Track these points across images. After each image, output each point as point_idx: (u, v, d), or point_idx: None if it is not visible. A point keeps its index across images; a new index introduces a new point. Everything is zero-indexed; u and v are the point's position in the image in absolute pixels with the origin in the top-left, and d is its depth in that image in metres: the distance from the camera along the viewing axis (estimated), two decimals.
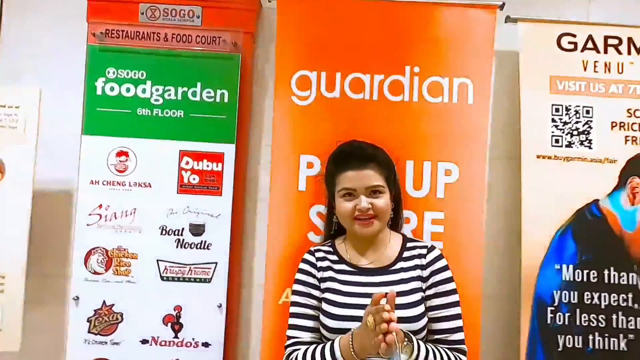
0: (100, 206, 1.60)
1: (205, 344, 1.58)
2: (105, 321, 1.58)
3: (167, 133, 1.62)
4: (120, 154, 1.61)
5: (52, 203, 1.68)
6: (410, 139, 1.53)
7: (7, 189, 1.49)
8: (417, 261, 1.16)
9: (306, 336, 1.13)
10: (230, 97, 1.63)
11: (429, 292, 1.13)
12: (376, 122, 1.54)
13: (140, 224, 1.60)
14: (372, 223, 1.12)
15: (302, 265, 1.21)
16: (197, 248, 1.60)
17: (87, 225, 1.59)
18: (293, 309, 1.17)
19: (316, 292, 1.16)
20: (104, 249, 1.59)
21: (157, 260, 1.60)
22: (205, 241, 1.61)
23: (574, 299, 1.54)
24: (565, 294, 1.54)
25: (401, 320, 0.99)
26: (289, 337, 1.15)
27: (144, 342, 1.58)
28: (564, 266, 1.55)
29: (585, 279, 1.55)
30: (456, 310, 1.13)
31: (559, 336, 1.53)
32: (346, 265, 1.18)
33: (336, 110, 1.55)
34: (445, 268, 1.16)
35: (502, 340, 1.66)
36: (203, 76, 1.63)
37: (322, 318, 1.12)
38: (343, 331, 1.05)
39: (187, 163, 1.62)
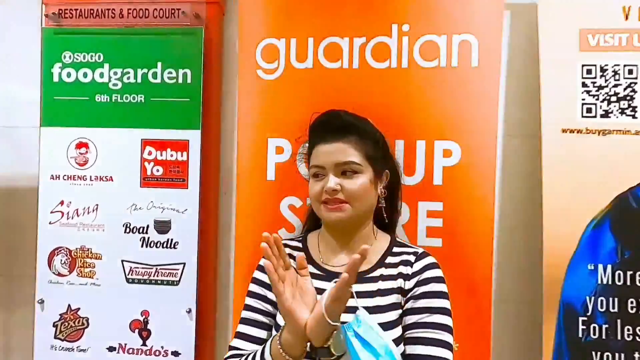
0: (62, 203, 1.37)
1: (175, 353, 1.33)
2: (71, 326, 1.37)
3: (128, 120, 1.36)
4: (79, 145, 1.37)
5: (18, 199, 1.47)
6: (399, 114, 1.19)
7: None
8: (401, 269, 0.85)
9: (250, 348, 0.84)
10: (193, 77, 1.34)
11: (407, 305, 0.82)
12: (357, 94, 1.20)
13: (103, 222, 1.36)
14: (340, 208, 0.83)
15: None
16: (163, 247, 1.34)
17: (50, 223, 1.38)
18: (243, 313, 0.90)
19: (272, 295, 0.86)
20: (67, 248, 1.37)
21: (122, 261, 1.36)
22: (171, 239, 1.34)
23: (613, 307, 1.15)
24: (601, 300, 1.15)
25: None
26: (230, 348, 0.87)
27: (111, 349, 1.35)
28: (600, 266, 1.16)
29: (628, 282, 1.14)
30: (441, 335, 0.79)
31: (593, 353, 1.14)
32: (314, 266, 0.89)
33: (309, 83, 1.22)
34: (436, 280, 0.84)
35: (520, 354, 1.28)
36: (163, 55, 1.35)
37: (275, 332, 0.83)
38: None
39: (150, 153, 1.35)
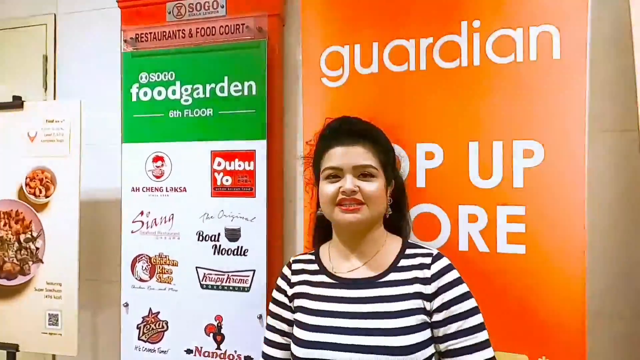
0: (142, 213, 1.37)
1: (248, 358, 1.27)
2: (152, 329, 1.35)
3: (198, 134, 1.33)
4: (156, 159, 1.36)
5: (103, 211, 1.49)
6: (471, 115, 1.04)
7: (58, 201, 1.32)
8: (417, 273, 0.78)
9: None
10: (258, 89, 1.28)
11: (438, 316, 0.75)
12: (426, 97, 1.07)
13: (178, 230, 1.34)
14: (358, 209, 0.77)
15: (278, 281, 0.89)
16: (234, 254, 1.29)
17: (132, 232, 1.37)
18: (265, 334, 0.88)
19: (287, 314, 0.85)
20: (147, 256, 1.36)
21: (197, 268, 1.32)
22: (241, 247, 1.29)
23: None
24: None
25: (386, 351, 0.71)
26: None
27: (189, 352, 1.32)
28: None
29: None
30: (481, 336, 0.74)
31: None
32: (326, 276, 0.83)
33: (375, 88, 1.11)
34: (458, 281, 0.77)
35: None
36: (229, 69, 1.31)
37: (292, 346, 0.80)
38: None
39: (219, 164, 1.30)
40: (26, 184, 1.35)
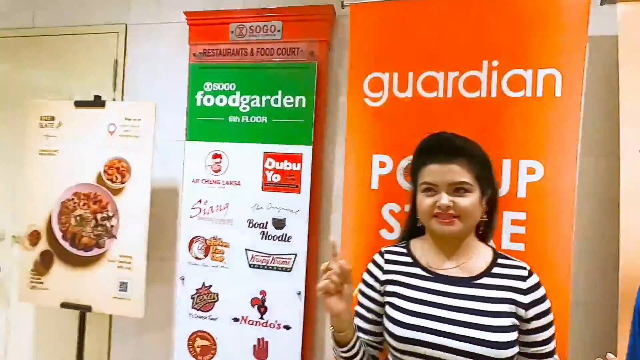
0: (200, 201, 1.59)
1: (287, 327, 1.50)
2: (204, 299, 1.57)
3: (253, 137, 1.55)
4: (215, 156, 1.58)
5: (165, 197, 1.72)
6: (488, 137, 1.26)
7: (132, 188, 1.54)
8: (513, 283, 0.85)
9: (360, 335, 0.93)
10: (307, 102, 1.51)
11: (531, 324, 0.84)
12: (450, 120, 1.30)
13: (231, 217, 1.57)
14: (453, 222, 0.85)
15: (369, 266, 0.97)
16: (279, 240, 1.51)
17: (190, 217, 1.60)
18: (355, 308, 0.96)
19: (376, 295, 0.93)
20: (203, 238, 1.59)
21: (246, 250, 1.54)
22: (286, 234, 1.51)
23: None
24: None
25: (483, 343, 0.79)
26: None
27: (235, 320, 1.54)
28: None
29: None
30: (552, 344, 0.87)
31: None
32: (421, 269, 0.90)
33: (409, 110, 1.34)
34: (545, 297, 0.86)
35: (595, 356, 1.30)
36: (284, 84, 1.53)
37: (387, 324, 0.88)
38: (410, 341, 0.83)
39: (270, 164, 1.53)
40: (104, 171, 1.57)
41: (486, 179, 0.89)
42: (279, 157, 1.54)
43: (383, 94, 1.36)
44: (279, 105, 1.54)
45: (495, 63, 1.27)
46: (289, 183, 1.53)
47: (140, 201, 1.54)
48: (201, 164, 1.61)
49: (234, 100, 1.58)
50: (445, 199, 0.84)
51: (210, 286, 1.58)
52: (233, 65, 1.59)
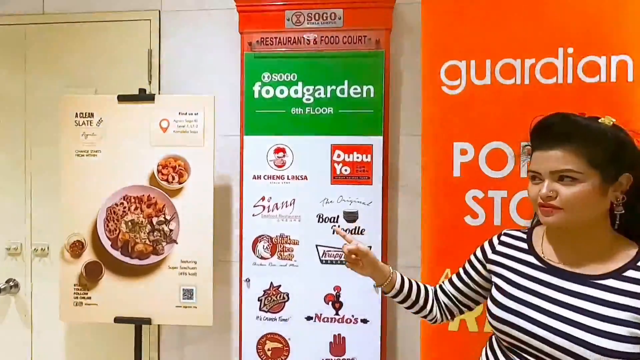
0: (263, 198, 1.51)
1: (364, 320, 1.47)
2: (273, 300, 1.50)
3: (319, 129, 1.49)
4: (278, 150, 1.50)
5: (217, 196, 1.60)
6: None
7: (192, 187, 1.42)
8: None
9: (447, 287, 1.01)
10: (376, 92, 1.47)
11: None
12: (528, 106, 1.31)
13: (299, 213, 1.50)
14: (552, 213, 0.76)
15: (485, 243, 0.97)
16: (351, 233, 1.47)
17: (253, 215, 1.51)
18: (459, 270, 1.01)
19: (479, 266, 0.95)
20: (268, 236, 1.50)
21: (317, 246, 1.49)
22: (359, 227, 1.48)
23: None
24: None
25: (587, 345, 0.72)
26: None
27: (309, 318, 1.49)
28: None
29: None
30: None
31: None
32: (535, 258, 0.86)
33: (488, 97, 1.34)
34: None
35: None
36: (350, 74, 1.48)
37: (488, 303, 0.88)
38: (506, 323, 0.82)
39: (339, 156, 1.48)
40: (158, 171, 1.43)
41: (614, 162, 0.76)
42: (348, 149, 1.48)
43: (461, 82, 1.36)
44: (345, 95, 1.48)
45: (570, 50, 1.31)
46: (359, 175, 1.48)
47: (203, 202, 1.43)
48: (262, 159, 1.51)
49: (296, 92, 1.50)
50: (545, 188, 0.76)
51: (279, 286, 1.51)
52: (293, 54, 1.51)
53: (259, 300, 1.51)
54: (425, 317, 1.02)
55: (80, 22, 1.68)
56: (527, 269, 0.85)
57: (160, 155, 1.43)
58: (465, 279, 0.97)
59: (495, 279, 0.89)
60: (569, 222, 0.77)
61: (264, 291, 1.51)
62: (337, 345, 1.49)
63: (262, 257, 1.52)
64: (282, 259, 1.51)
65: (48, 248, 1.71)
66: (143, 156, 1.44)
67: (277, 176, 1.51)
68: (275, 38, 1.51)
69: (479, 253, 0.96)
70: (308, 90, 1.50)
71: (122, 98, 1.45)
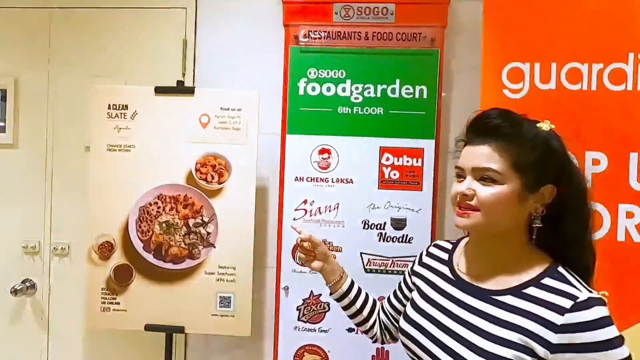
0: (305, 202, 1.42)
1: None
2: (313, 310, 1.41)
3: (368, 130, 1.41)
4: (322, 151, 1.41)
5: (260, 199, 1.50)
6: (633, 130, 1.23)
7: (232, 188, 1.32)
8: (545, 312, 0.63)
9: (385, 304, 0.97)
10: (429, 93, 1.39)
11: None
12: (594, 113, 1.24)
13: (343, 219, 1.41)
14: (468, 215, 0.70)
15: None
16: (399, 242, 1.39)
17: (294, 219, 1.42)
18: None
19: (409, 281, 0.90)
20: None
21: (361, 253, 1.40)
22: (406, 235, 1.39)
23: None
24: None
25: None
26: None
27: (350, 330, 1.41)
28: None
29: None
30: None
31: None
32: (449, 270, 0.80)
33: (552, 102, 1.27)
34: (601, 346, 0.60)
35: None
36: (402, 73, 1.40)
37: (401, 317, 0.84)
38: (407, 335, 0.78)
39: (388, 159, 1.40)
40: (197, 170, 1.34)
41: (540, 169, 0.68)
42: (397, 152, 1.40)
43: (524, 85, 1.28)
44: (396, 95, 1.40)
45: None
46: (409, 180, 1.40)
47: (244, 204, 1.33)
48: (305, 161, 1.42)
49: (343, 89, 1.41)
50: (464, 185, 0.70)
51: (320, 295, 1.42)
52: (342, 50, 1.42)
53: (297, 309, 1.42)
54: (366, 332, 0.98)
55: (109, 7, 1.57)
56: (440, 281, 0.80)
57: (199, 152, 1.34)
58: (399, 294, 0.92)
59: (412, 294, 0.84)
60: (483, 226, 0.70)
61: (304, 300, 1.42)
62: (380, 359, 1.41)
63: (302, 264, 1.43)
64: None
65: (68, 247, 1.60)
66: (180, 153, 1.34)
67: (321, 178, 1.42)
68: (324, 32, 1.42)
69: (409, 268, 0.93)
70: (357, 88, 1.41)
71: (160, 90, 1.35)
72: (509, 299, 0.68)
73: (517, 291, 0.68)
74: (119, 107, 1.35)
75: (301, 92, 1.42)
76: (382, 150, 1.41)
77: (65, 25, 1.59)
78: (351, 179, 1.42)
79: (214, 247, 1.34)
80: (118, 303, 1.35)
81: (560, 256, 0.70)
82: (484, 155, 0.69)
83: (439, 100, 1.40)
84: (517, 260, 0.71)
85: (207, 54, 1.57)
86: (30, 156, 1.61)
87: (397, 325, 0.87)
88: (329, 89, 1.42)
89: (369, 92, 1.41)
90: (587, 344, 0.60)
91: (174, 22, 1.56)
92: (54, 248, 1.60)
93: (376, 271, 1.41)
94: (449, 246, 0.85)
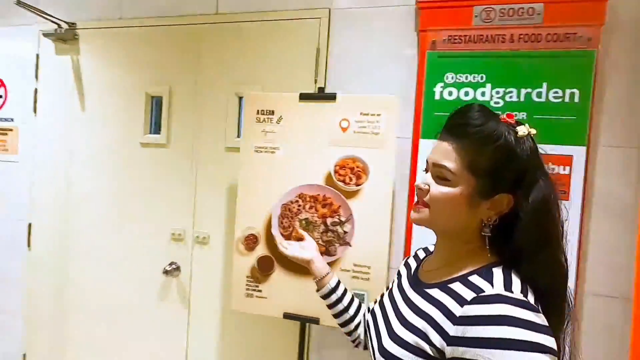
0: None
1: None
2: None
3: None
4: None
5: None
6: None
7: (369, 190, 1.37)
8: (450, 303, 0.63)
9: (371, 305, 0.93)
10: (582, 97, 1.30)
11: None
12: None
13: None
14: (418, 209, 0.71)
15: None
16: None
17: None
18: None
19: (396, 281, 0.89)
20: None
21: None
22: None
23: None
24: None
25: (381, 346, 0.71)
26: None
27: None
28: None
29: None
30: None
31: None
32: (416, 266, 0.84)
33: None
34: (490, 343, 0.55)
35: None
36: (550, 76, 1.32)
37: None
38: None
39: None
40: (335, 171, 1.41)
41: (497, 176, 0.64)
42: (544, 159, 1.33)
43: None
44: (542, 99, 1.33)
45: None
46: None
47: (380, 206, 1.37)
48: None
49: (482, 94, 1.38)
50: (419, 178, 0.72)
51: None
52: (483, 53, 1.39)
53: None
54: (349, 334, 0.98)
55: (250, 21, 1.73)
56: (405, 278, 0.82)
57: (338, 155, 1.41)
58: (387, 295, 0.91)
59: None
60: (431, 223, 0.71)
61: None
62: None
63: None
64: None
65: (208, 237, 1.79)
66: (320, 155, 1.42)
67: None
68: (465, 36, 1.41)
69: (397, 271, 0.93)
70: (498, 92, 1.37)
71: (304, 96, 1.45)
72: (433, 291, 0.69)
73: (443, 285, 0.68)
74: (266, 112, 1.47)
75: (437, 96, 1.42)
76: None
77: (212, 39, 1.78)
78: None
79: (350, 246, 1.40)
80: (260, 290, 1.48)
81: (517, 268, 0.65)
82: (443, 152, 0.68)
83: (592, 104, 1.30)
84: (461, 258, 0.69)
85: (338, 60, 1.64)
86: (178, 154, 1.84)
87: None
88: (466, 94, 1.40)
89: (510, 97, 1.36)
90: (475, 339, 0.56)
91: (308, 32, 1.66)
92: (197, 237, 1.80)
93: None
94: (423, 252, 0.89)
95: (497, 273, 0.64)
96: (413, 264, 0.86)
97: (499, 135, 0.65)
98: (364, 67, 1.61)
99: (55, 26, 1.96)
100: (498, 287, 0.61)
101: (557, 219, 0.65)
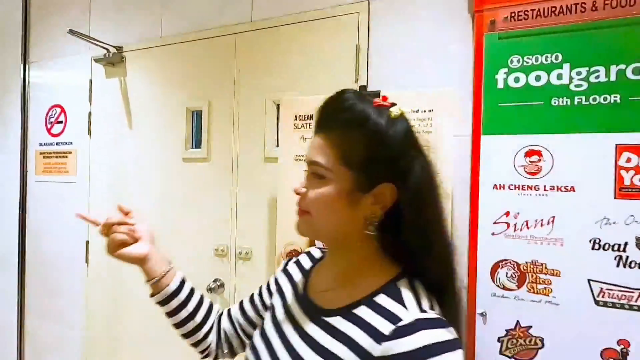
0: (507, 214, 1.19)
1: None
2: (520, 344, 1.17)
3: (596, 124, 1.11)
4: (530, 153, 1.17)
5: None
6: None
7: None
8: (363, 340, 0.54)
9: (234, 311, 0.83)
10: None
11: None
12: None
13: (561, 236, 1.13)
14: (301, 215, 0.64)
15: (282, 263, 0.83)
16: None
17: (492, 234, 1.21)
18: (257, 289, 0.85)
19: (265, 292, 0.80)
20: (514, 262, 1.18)
21: (589, 281, 1.10)
22: None
23: None
24: None
25: None
26: None
27: None
28: None
29: None
30: None
31: None
32: (303, 282, 0.71)
33: None
34: None
35: None
36: None
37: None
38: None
39: (628, 160, 1.07)
40: None
41: (369, 165, 0.58)
42: None
43: None
44: (639, 77, 1.07)
45: None
46: None
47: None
48: (507, 165, 1.20)
49: (559, 77, 1.15)
50: (298, 182, 0.65)
51: (530, 327, 1.17)
52: (556, 28, 1.16)
53: (499, 341, 1.20)
54: (196, 345, 0.80)
55: (285, 24, 1.64)
56: (291, 295, 0.70)
57: None
58: (255, 300, 0.80)
59: (267, 313, 0.74)
60: (315, 232, 0.65)
61: (507, 331, 1.19)
62: None
63: (504, 288, 1.20)
64: (534, 292, 1.17)
65: (251, 252, 1.71)
66: None
67: (529, 186, 1.18)
68: (531, 10, 1.19)
69: (271, 278, 0.81)
70: (579, 73, 1.12)
71: None
72: (337, 321, 0.59)
73: (347, 311, 0.59)
74: (304, 117, 1.36)
75: (500, 85, 1.21)
76: (620, 148, 1.08)
77: (247, 47, 1.72)
78: (572, 187, 1.13)
79: None
80: None
81: (411, 267, 0.60)
82: (315, 147, 0.61)
83: None
84: (360, 272, 0.62)
85: (380, 56, 1.49)
86: (219, 168, 1.79)
87: (243, 336, 0.80)
88: (538, 78, 1.17)
89: (597, 77, 1.11)
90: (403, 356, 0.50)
91: (347, 29, 1.53)
92: (239, 252, 1.73)
93: (613, 305, 1.08)
94: (319, 255, 0.76)
95: (405, 289, 0.58)
96: (296, 275, 0.74)
97: (366, 117, 0.59)
98: (409, 61, 1.44)
99: (105, 51, 2.04)
100: (412, 309, 0.55)
101: (437, 204, 0.61)
